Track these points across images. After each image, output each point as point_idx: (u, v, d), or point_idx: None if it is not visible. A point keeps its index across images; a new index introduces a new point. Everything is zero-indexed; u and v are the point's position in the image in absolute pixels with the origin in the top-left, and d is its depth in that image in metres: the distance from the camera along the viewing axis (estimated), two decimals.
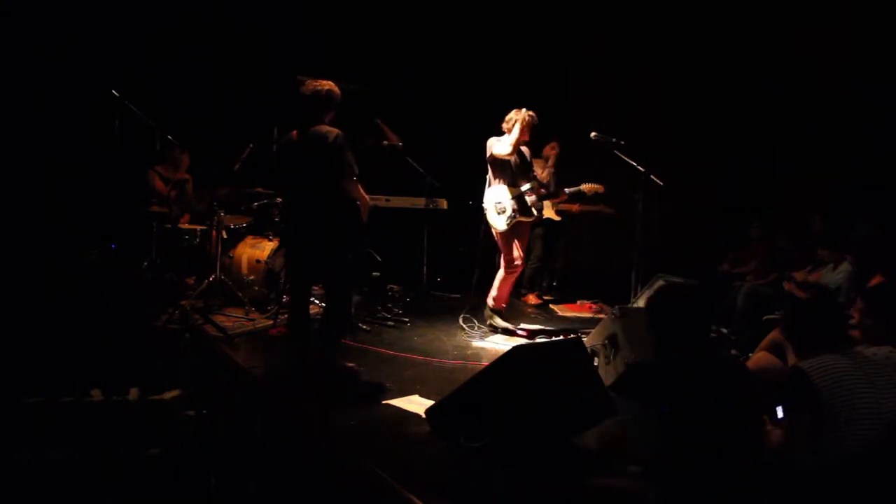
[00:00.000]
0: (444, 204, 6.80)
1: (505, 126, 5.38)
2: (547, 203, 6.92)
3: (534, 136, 5.50)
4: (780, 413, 2.77)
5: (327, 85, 4.12)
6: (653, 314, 2.57)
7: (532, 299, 7.03)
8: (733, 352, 4.83)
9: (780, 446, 2.43)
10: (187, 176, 6.28)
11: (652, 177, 5.00)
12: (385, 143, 6.35)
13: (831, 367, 2.40)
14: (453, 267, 7.29)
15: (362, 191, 4.17)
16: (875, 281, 4.75)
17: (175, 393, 3.42)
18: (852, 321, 2.97)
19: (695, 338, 2.48)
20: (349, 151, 4.03)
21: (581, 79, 8.75)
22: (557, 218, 7.17)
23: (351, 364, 4.28)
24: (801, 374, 2.41)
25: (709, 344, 2.53)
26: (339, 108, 4.14)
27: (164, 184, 6.01)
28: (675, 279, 5.77)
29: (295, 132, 4.18)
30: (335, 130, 4.04)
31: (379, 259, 6.08)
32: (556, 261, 7.74)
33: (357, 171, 4.07)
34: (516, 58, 8.34)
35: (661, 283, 5.89)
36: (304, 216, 4.20)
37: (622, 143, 5.17)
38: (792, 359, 3.52)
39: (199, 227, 6.00)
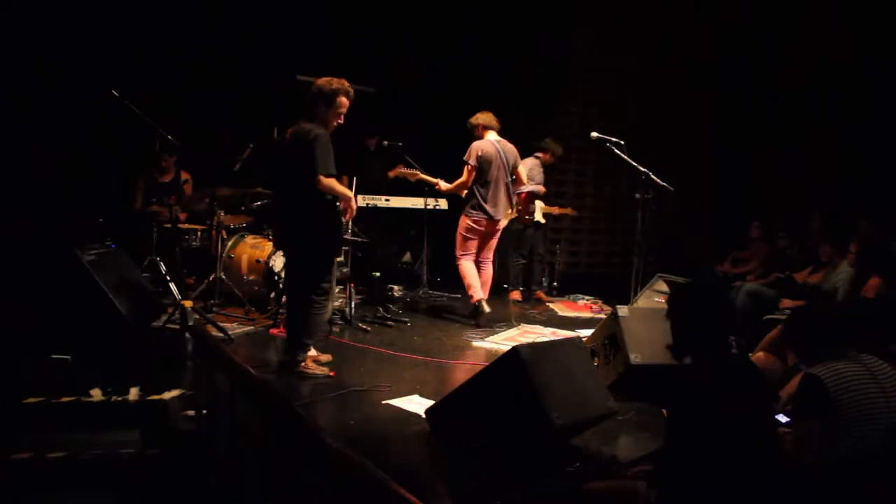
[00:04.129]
0: (444, 204, 6.81)
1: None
2: (539, 204, 7.01)
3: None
4: (781, 419, 2.76)
5: (321, 81, 4.06)
6: (692, 314, 2.42)
7: (516, 295, 7.06)
8: (733, 351, 4.82)
9: (792, 450, 2.42)
10: (186, 176, 6.28)
11: (652, 177, 5.00)
12: (386, 142, 6.35)
13: (843, 373, 2.40)
14: (453, 267, 7.29)
15: (340, 186, 4.10)
16: (873, 282, 4.75)
17: (175, 393, 3.42)
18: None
19: (724, 338, 2.44)
20: (324, 148, 3.94)
21: (581, 78, 8.75)
22: (543, 220, 7.24)
23: (322, 370, 4.18)
24: (815, 381, 2.39)
25: (729, 344, 2.47)
26: (331, 103, 4.03)
27: (150, 190, 6.12)
28: (676, 279, 5.78)
29: (289, 131, 4.17)
30: (316, 127, 3.99)
31: (366, 240, 6.03)
32: (555, 260, 7.82)
33: (332, 169, 3.97)
34: (517, 57, 8.34)
35: (660, 282, 5.91)
36: (280, 215, 4.22)
37: (622, 143, 5.17)
38: (792, 359, 3.51)
39: (199, 227, 6.01)
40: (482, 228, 5.76)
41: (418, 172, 5.75)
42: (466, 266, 5.81)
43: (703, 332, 2.40)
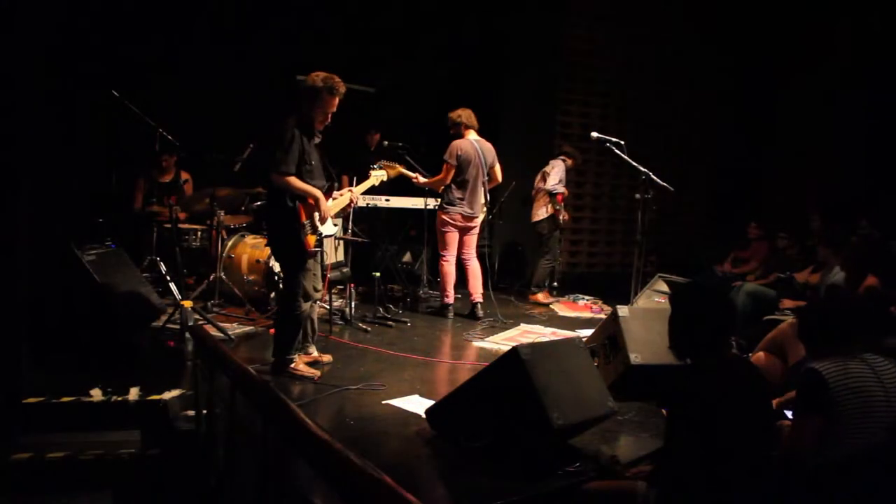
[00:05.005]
0: None
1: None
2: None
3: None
4: (787, 413, 2.76)
5: (308, 77, 3.96)
6: (692, 314, 2.43)
7: (543, 297, 7.07)
8: (733, 351, 4.81)
9: (789, 444, 2.42)
10: (186, 176, 6.28)
11: (652, 177, 5.01)
12: (386, 143, 6.35)
13: (847, 370, 2.40)
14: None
15: (300, 184, 3.89)
16: (869, 282, 4.72)
17: (175, 393, 3.42)
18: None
19: (724, 338, 2.44)
20: (282, 144, 3.80)
21: (581, 78, 8.75)
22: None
23: (312, 372, 4.13)
24: (817, 376, 2.39)
25: (729, 344, 2.47)
26: (314, 100, 3.92)
27: (150, 190, 6.15)
28: (676, 279, 5.78)
29: None
30: (286, 122, 3.88)
31: (366, 240, 6.17)
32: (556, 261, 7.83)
33: (284, 167, 3.81)
34: (517, 57, 8.34)
35: (660, 282, 5.91)
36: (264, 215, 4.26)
37: (622, 143, 5.17)
38: (793, 358, 3.51)
39: (199, 227, 6.00)
40: (458, 224, 5.96)
41: (397, 166, 5.79)
42: (446, 269, 6.04)
43: (703, 333, 2.40)
